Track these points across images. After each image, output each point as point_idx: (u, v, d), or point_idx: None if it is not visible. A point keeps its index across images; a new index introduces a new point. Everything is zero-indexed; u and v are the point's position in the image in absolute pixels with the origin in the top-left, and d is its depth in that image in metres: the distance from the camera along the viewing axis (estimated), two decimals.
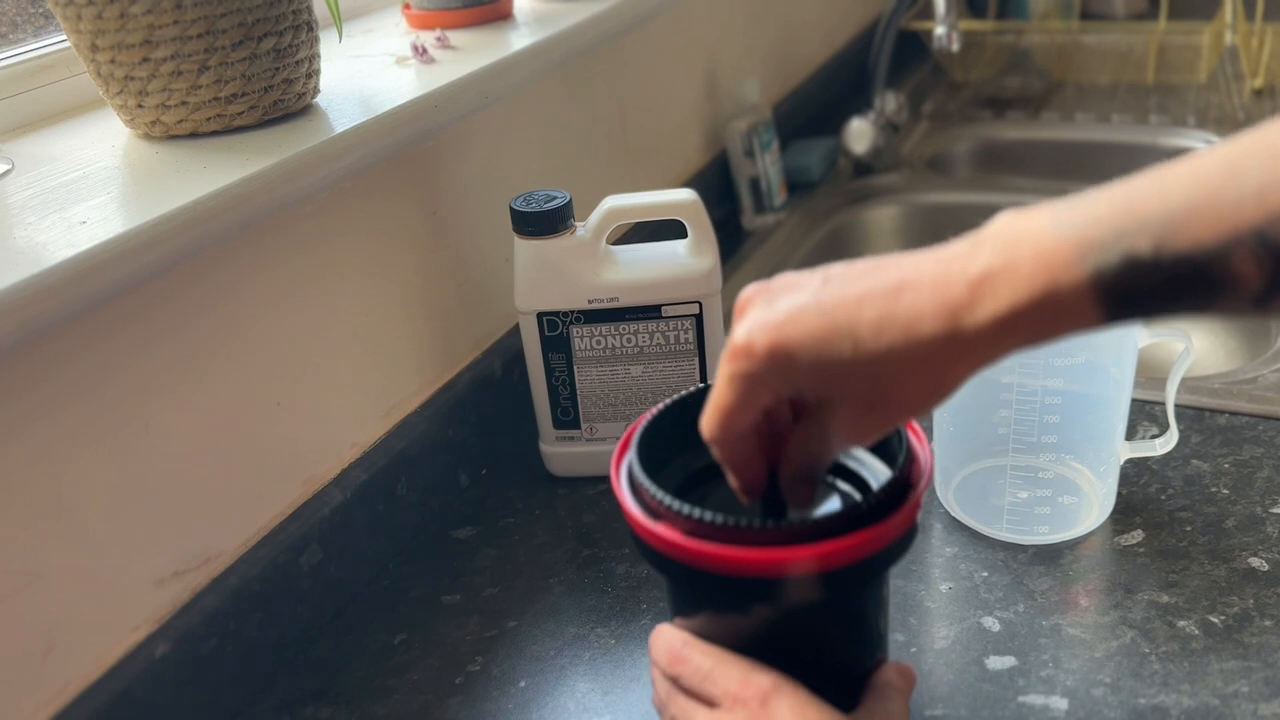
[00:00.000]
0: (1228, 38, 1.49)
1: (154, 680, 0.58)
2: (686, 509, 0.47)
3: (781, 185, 1.25)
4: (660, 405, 0.55)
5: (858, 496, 0.53)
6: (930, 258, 0.42)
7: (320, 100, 0.72)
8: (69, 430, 0.55)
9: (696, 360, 0.78)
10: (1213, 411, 0.81)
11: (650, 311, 0.76)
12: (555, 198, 0.75)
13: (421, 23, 0.89)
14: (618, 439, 0.80)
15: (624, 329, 0.77)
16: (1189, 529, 0.70)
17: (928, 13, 1.39)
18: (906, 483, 0.49)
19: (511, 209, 0.75)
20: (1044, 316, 0.39)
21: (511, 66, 0.82)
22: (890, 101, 1.43)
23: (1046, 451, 0.68)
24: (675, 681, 0.51)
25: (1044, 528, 0.70)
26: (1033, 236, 0.39)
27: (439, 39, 0.85)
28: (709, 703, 0.49)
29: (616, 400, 0.79)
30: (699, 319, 0.77)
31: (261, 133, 0.66)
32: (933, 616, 0.65)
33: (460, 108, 0.77)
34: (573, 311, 0.76)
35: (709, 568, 0.47)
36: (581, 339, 0.77)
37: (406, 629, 0.69)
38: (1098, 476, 0.70)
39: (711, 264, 0.76)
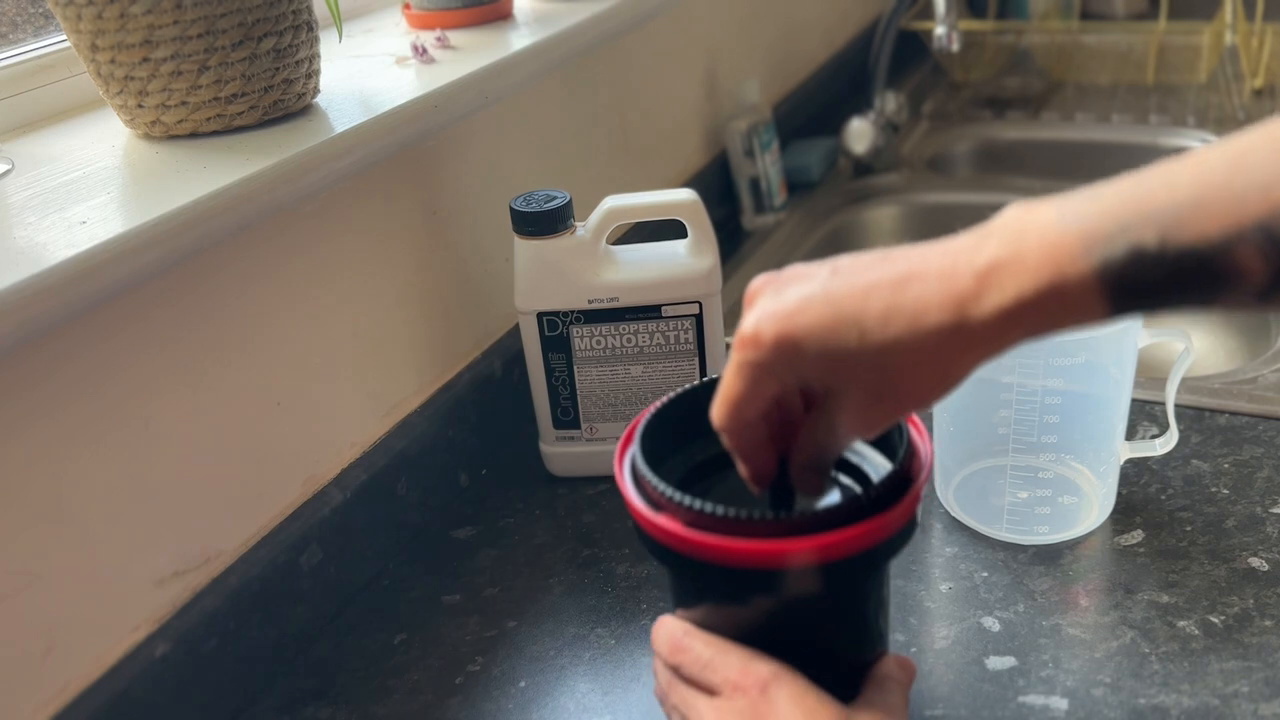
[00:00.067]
0: (1228, 38, 1.49)
1: (154, 680, 0.58)
2: (688, 500, 0.48)
3: (781, 185, 1.25)
4: (664, 399, 0.55)
5: (858, 489, 0.53)
6: (937, 249, 0.42)
7: (320, 100, 0.72)
8: (69, 430, 0.55)
9: (696, 360, 0.78)
10: (1213, 411, 0.81)
11: (650, 311, 0.76)
12: (555, 198, 0.75)
13: (421, 23, 0.89)
14: (618, 439, 0.80)
15: (624, 329, 0.77)
16: (1189, 529, 0.70)
17: (928, 13, 1.39)
18: (907, 476, 0.49)
19: (511, 209, 0.75)
20: (1050, 308, 0.39)
21: (511, 66, 0.82)
22: (890, 101, 1.43)
23: (1046, 451, 0.68)
24: (676, 671, 0.52)
25: (1044, 528, 0.70)
26: (1040, 229, 0.40)
27: (439, 39, 0.85)
28: (709, 691, 0.50)
29: (616, 400, 0.79)
30: (699, 319, 0.77)
31: (261, 133, 0.66)
32: (933, 616, 0.65)
33: (460, 108, 0.77)
34: (573, 311, 0.76)
35: (710, 559, 0.48)
36: (581, 339, 0.77)
37: (406, 629, 0.69)
38: (1098, 476, 0.70)
39: (711, 264, 0.76)
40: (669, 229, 0.77)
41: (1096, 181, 0.41)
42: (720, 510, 0.47)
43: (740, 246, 1.20)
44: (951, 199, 1.33)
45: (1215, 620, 0.62)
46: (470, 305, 0.84)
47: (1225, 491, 0.72)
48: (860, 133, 1.34)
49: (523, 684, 0.64)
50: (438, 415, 0.79)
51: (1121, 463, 0.72)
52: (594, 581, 0.71)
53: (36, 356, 0.53)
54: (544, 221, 0.74)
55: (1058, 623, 0.63)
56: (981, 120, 1.53)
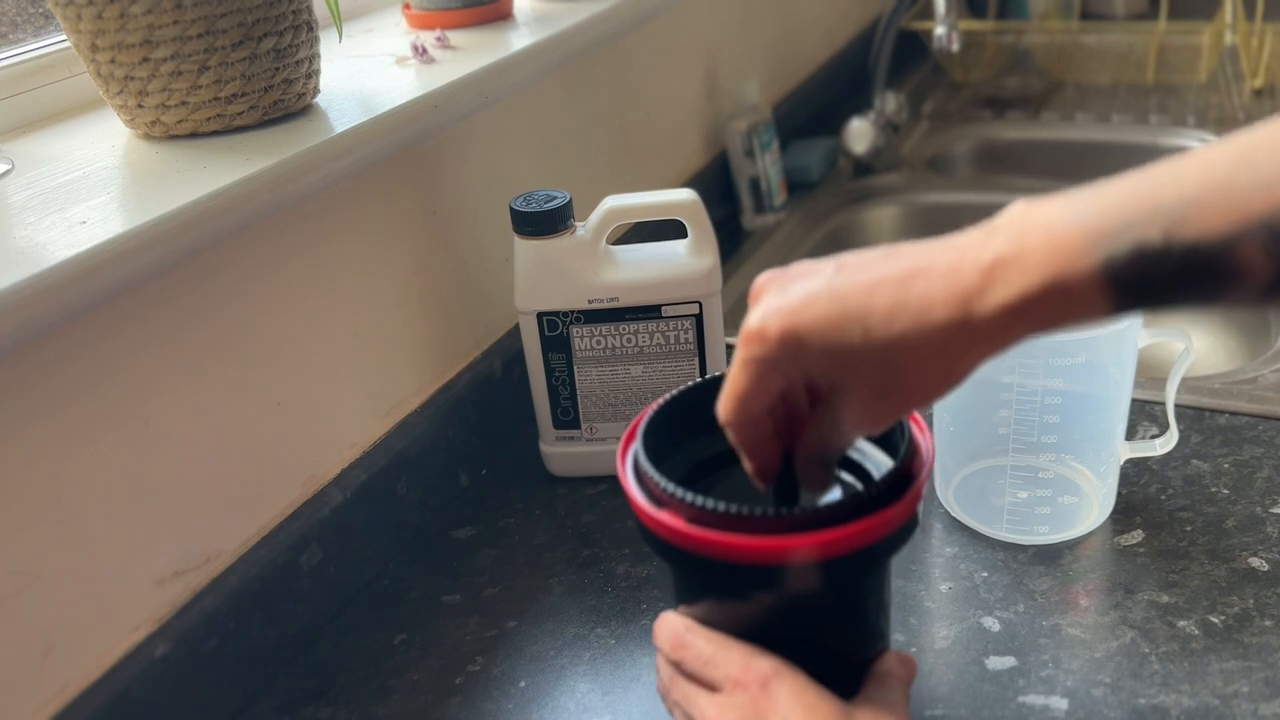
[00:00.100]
0: (1228, 38, 1.49)
1: (154, 680, 0.58)
2: (690, 496, 0.48)
3: (781, 185, 1.25)
4: (667, 396, 0.56)
5: (860, 487, 0.53)
6: (942, 246, 0.42)
7: (320, 100, 0.72)
8: (69, 430, 0.55)
9: (696, 360, 0.78)
10: (1213, 411, 0.81)
11: (650, 311, 0.76)
12: (555, 198, 0.75)
13: (421, 23, 0.89)
14: (618, 439, 0.80)
15: (624, 329, 0.77)
16: (1189, 529, 0.70)
17: (928, 13, 1.39)
18: (908, 473, 0.50)
19: (511, 209, 0.75)
20: (1054, 304, 0.39)
21: (511, 66, 0.82)
22: (890, 101, 1.43)
23: (1046, 451, 0.68)
24: (678, 667, 0.52)
25: (1044, 528, 0.70)
26: (1045, 225, 0.40)
27: (439, 39, 0.85)
28: (711, 687, 0.50)
29: (616, 400, 0.79)
30: (699, 319, 0.77)
31: (261, 133, 0.66)
32: (933, 616, 0.65)
33: (460, 108, 0.77)
34: (573, 311, 0.76)
35: (711, 555, 0.48)
36: (581, 339, 0.77)
37: (406, 629, 0.69)
38: (1098, 476, 0.70)
39: (711, 264, 0.76)
40: (669, 229, 0.77)
41: (1097, 181, 0.41)
42: (722, 506, 0.47)
43: (740, 246, 1.20)
44: (951, 199, 1.33)
45: (1215, 620, 0.62)
46: (470, 305, 0.84)
47: (1225, 491, 0.72)
48: (860, 133, 1.34)
49: (523, 684, 0.64)
50: (438, 415, 0.79)
51: (1121, 463, 0.72)
52: (594, 581, 0.71)
53: (36, 356, 0.53)
54: (544, 221, 0.74)
55: (1058, 623, 0.63)
56: (981, 120, 1.53)
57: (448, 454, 0.80)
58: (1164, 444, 0.72)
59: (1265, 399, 0.81)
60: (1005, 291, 0.39)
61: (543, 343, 0.77)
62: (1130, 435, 0.78)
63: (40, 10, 0.75)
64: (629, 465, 0.53)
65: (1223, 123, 1.39)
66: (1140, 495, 0.73)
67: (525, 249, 0.75)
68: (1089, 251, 0.38)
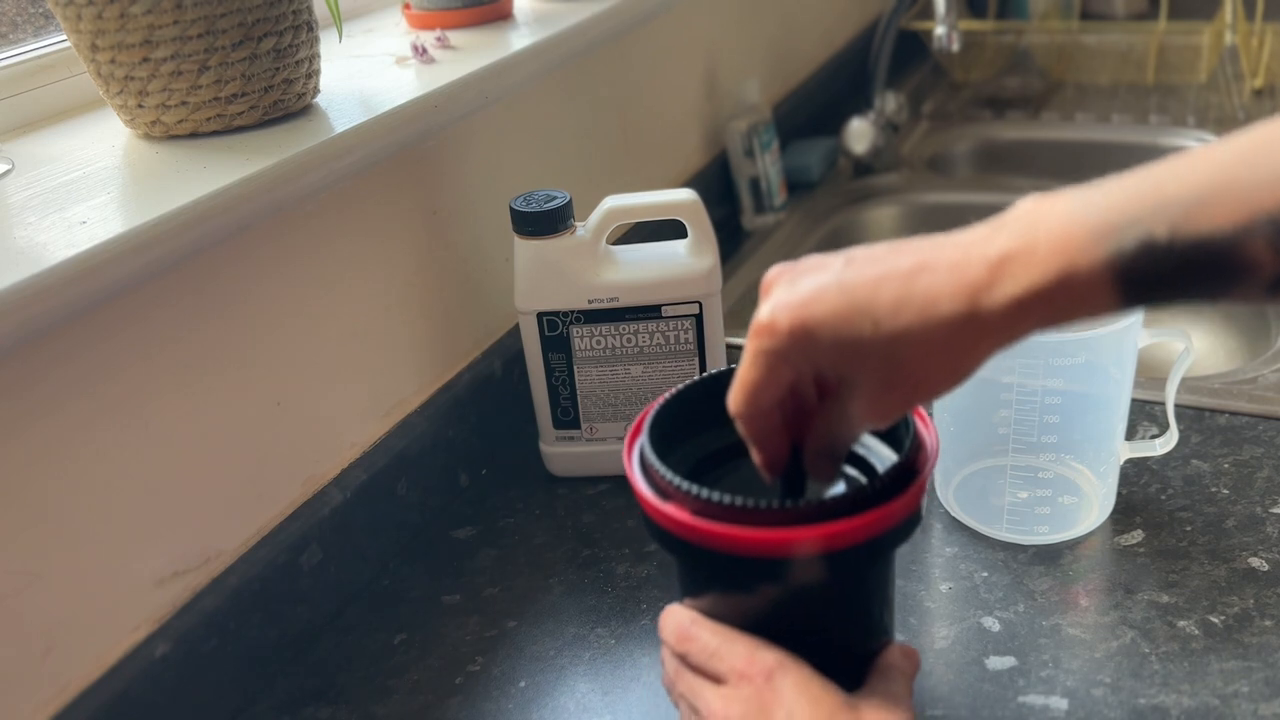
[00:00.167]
0: (1228, 38, 1.49)
1: (154, 680, 0.58)
2: (695, 489, 0.48)
3: (781, 185, 1.25)
4: (674, 390, 0.56)
5: (865, 481, 0.54)
6: (951, 241, 0.43)
7: (320, 100, 0.72)
8: (69, 430, 0.55)
9: (696, 360, 0.78)
10: (1213, 411, 0.81)
11: (650, 311, 0.76)
12: (555, 198, 0.75)
13: (421, 23, 0.89)
14: (618, 439, 0.80)
15: (624, 329, 0.77)
16: (1189, 529, 0.70)
17: (928, 13, 1.39)
18: (912, 467, 0.50)
19: (511, 209, 0.75)
20: (1061, 299, 0.39)
21: (511, 66, 0.82)
22: (890, 101, 1.43)
23: (1046, 451, 0.68)
24: (683, 659, 0.53)
25: (1044, 528, 0.70)
26: (1052, 220, 0.40)
27: (439, 39, 0.85)
28: (716, 679, 0.51)
29: (616, 400, 0.79)
30: (699, 319, 0.77)
31: (261, 133, 0.66)
32: (933, 616, 0.65)
33: (460, 108, 0.77)
34: (573, 311, 0.76)
35: (716, 547, 0.48)
36: (581, 339, 0.77)
37: (406, 629, 0.69)
38: (1098, 476, 0.70)
39: (711, 264, 0.76)
40: (669, 229, 0.77)
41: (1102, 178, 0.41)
42: (727, 499, 0.47)
43: (740, 246, 1.20)
44: (951, 199, 1.33)
45: (1215, 620, 0.62)
46: (470, 305, 0.84)
47: (1225, 491, 0.72)
48: (860, 133, 1.34)
49: (523, 684, 0.64)
50: (438, 415, 0.79)
51: (1121, 463, 0.72)
52: (594, 581, 0.71)
53: (36, 356, 0.53)
54: (544, 221, 0.74)
55: (1058, 623, 0.63)
56: (981, 120, 1.53)
57: (448, 454, 0.80)
58: (1164, 444, 0.72)
59: (1265, 399, 0.81)
60: (1013, 285, 0.40)
61: (543, 343, 0.77)
62: (1130, 435, 0.78)
63: (40, 10, 0.75)
64: (635, 458, 0.53)
65: (1223, 123, 1.39)
66: (1140, 495, 0.73)
67: (525, 249, 0.75)
68: (1096, 246, 0.39)
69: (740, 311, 1.09)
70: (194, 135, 0.66)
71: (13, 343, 0.50)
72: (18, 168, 0.64)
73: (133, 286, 0.56)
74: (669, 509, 0.49)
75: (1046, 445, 0.68)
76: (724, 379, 0.54)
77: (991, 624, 0.64)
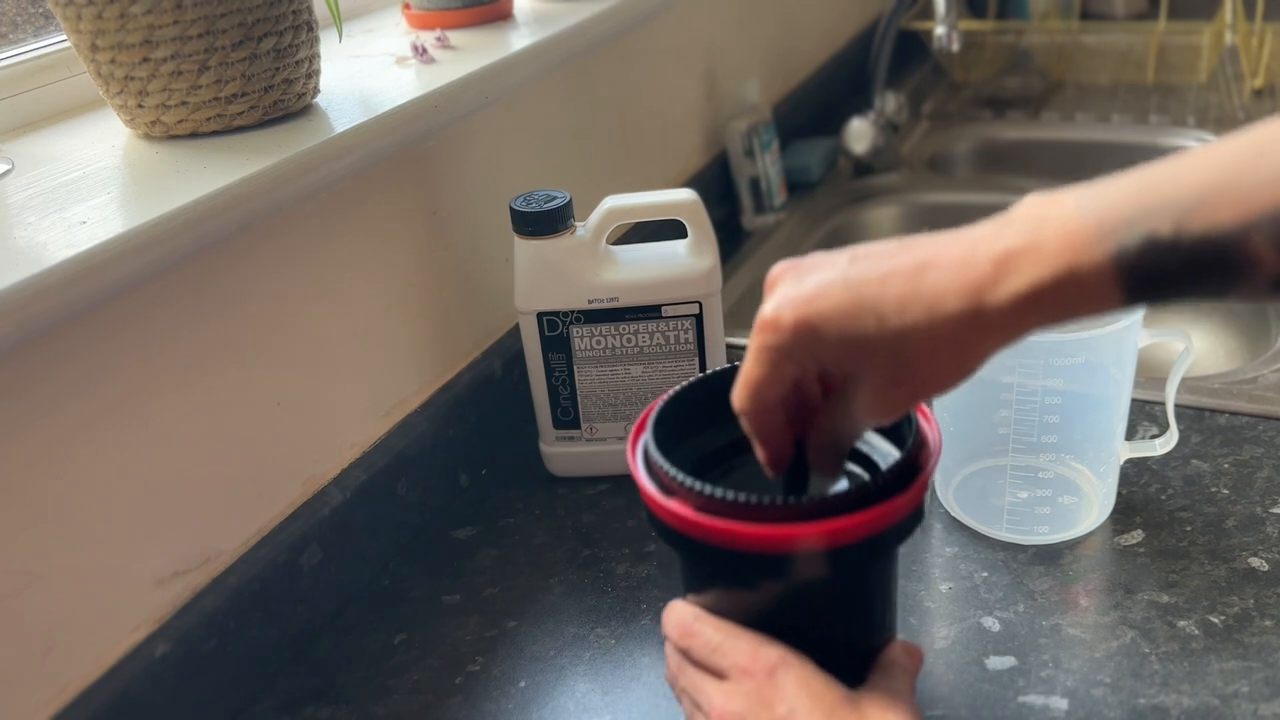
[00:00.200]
0: (1228, 38, 1.49)
1: (154, 680, 0.58)
2: (698, 485, 0.49)
3: (781, 185, 1.25)
4: (678, 386, 0.56)
5: (868, 477, 0.54)
6: (956, 238, 0.43)
7: (320, 100, 0.72)
8: (69, 430, 0.55)
9: (696, 360, 0.78)
10: (1213, 411, 0.81)
11: (650, 311, 0.76)
12: (555, 198, 0.75)
13: (421, 23, 0.89)
14: (618, 439, 0.80)
15: (624, 329, 0.77)
16: (1189, 529, 0.70)
17: (928, 13, 1.39)
18: (915, 463, 0.50)
19: (511, 209, 0.75)
20: (1066, 295, 0.40)
21: (511, 66, 0.82)
22: (890, 101, 1.43)
23: (1046, 451, 0.68)
24: (686, 654, 0.53)
25: (1044, 528, 0.70)
26: (1058, 217, 0.40)
27: (439, 39, 0.85)
28: (718, 675, 0.51)
29: (616, 400, 0.79)
30: (699, 319, 0.77)
31: (261, 133, 0.66)
32: (933, 616, 0.65)
33: (460, 108, 0.77)
34: (573, 311, 0.76)
35: (719, 543, 0.48)
36: (581, 339, 0.77)
37: (406, 629, 0.69)
38: (1098, 476, 0.70)
39: (711, 264, 0.76)
40: (669, 229, 0.77)
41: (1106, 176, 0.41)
42: (730, 495, 0.48)
43: (740, 246, 1.20)
44: (951, 199, 1.33)
45: (1215, 620, 0.62)
46: (470, 305, 0.84)
47: (1225, 491, 0.72)
48: (860, 133, 1.34)
49: (523, 684, 0.64)
50: (438, 415, 0.79)
51: (1121, 463, 0.72)
52: (594, 581, 0.71)
53: (36, 356, 0.53)
54: (544, 221, 0.74)
55: (1058, 623, 0.63)
56: (981, 120, 1.53)
57: (448, 454, 0.80)
58: (1164, 444, 0.72)
59: (1265, 399, 0.81)
60: (1017, 282, 0.40)
61: (543, 343, 0.77)
62: (1130, 435, 0.78)
63: (40, 10, 0.75)
64: (639, 455, 0.53)
65: (1223, 123, 1.39)
66: (1140, 495, 0.73)
67: (525, 249, 0.75)
68: (1100, 243, 0.39)
69: (740, 311, 1.09)
70: (194, 135, 0.66)
71: (13, 343, 0.50)
72: (18, 168, 0.64)
73: (133, 286, 0.56)
74: (672, 505, 0.50)
75: (1046, 445, 0.68)
76: (728, 376, 0.54)
77: (991, 624, 0.64)
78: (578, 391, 0.79)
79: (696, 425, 0.56)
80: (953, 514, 0.73)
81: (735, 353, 0.86)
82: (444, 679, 0.65)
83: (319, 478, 0.71)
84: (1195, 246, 0.38)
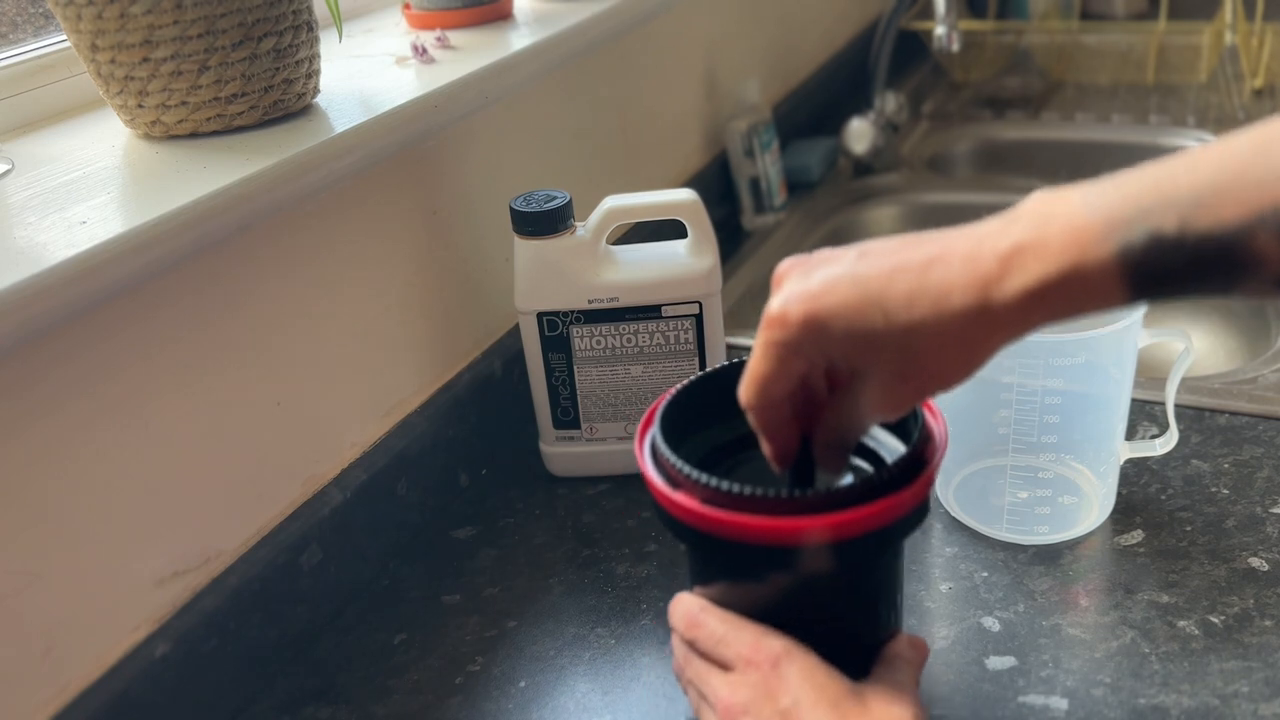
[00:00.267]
0: (1228, 38, 1.49)
1: (154, 680, 0.58)
2: (705, 477, 0.49)
3: (781, 185, 1.25)
4: (685, 381, 0.57)
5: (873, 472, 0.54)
6: (963, 234, 0.43)
7: (320, 100, 0.72)
8: (69, 430, 0.55)
9: (696, 360, 0.78)
10: (1213, 411, 0.81)
11: (650, 311, 0.76)
12: (555, 198, 0.75)
13: (421, 23, 0.89)
14: (618, 439, 0.80)
15: (624, 329, 0.77)
16: (1189, 529, 0.70)
17: (928, 13, 1.39)
18: (921, 458, 0.50)
19: (511, 209, 0.75)
20: (1071, 291, 0.40)
21: (511, 66, 0.82)
22: (890, 101, 1.43)
23: (1046, 451, 0.68)
24: (691, 646, 0.53)
25: (1044, 528, 0.70)
26: (1064, 214, 0.41)
27: (439, 39, 0.85)
28: (723, 666, 0.51)
29: (616, 400, 0.79)
30: (699, 319, 0.77)
31: (261, 133, 0.66)
32: (933, 616, 0.65)
33: (460, 108, 0.77)
34: (573, 311, 0.76)
35: (725, 535, 0.49)
36: (581, 339, 0.77)
37: (406, 629, 0.69)
38: (1098, 476, 0.70)
39: (711, 264, 0.76)
40: (669, 229, 0.77)
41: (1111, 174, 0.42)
42: (736, 488, 0.48)
43: (740, 246, 1.20)
44: (951, 199, 1.33)
45: (1215, 620, 0.62)
46: (470, 305, 0.84)
47: (1225, 491, 0.72)
48: (860, 133, 1.34)
49: (523, 684, 0.64)
50: (438, 415, 0.79)
51: (1121, 463, 0.72)
52: (594, 581, 0.71)
53: (36, 356, 0.53)
54: (544, 221, 0.74)
55: (1058, 623, 0.63)
56: (981, 120, 1.53)
57: (448, 454, 0.80)
58: (1164, 444, 0.72)
59: (1265, 399, 0.81)
60: (1024, 278, 0.40)
61: (543, 343, 0.77)
62: (1130, 435, 0.78)
63: (40, 10, 0.75)
64: (646, 448, 0.54)
65: (1223, 123, 1.39)
66: (1140, 495, 0.73)
67: (525, 249, 0.75)
68: (1106, 239, 0.39)
69: (740, 311, 1.09)
70: (194, 135, 0.66)
71: (13, 343, 0.50)
72: (18, 168, 0.64)
73: (133, 286, 0.56)
74: (679, 497, 0.50)
75: (1046, 445, 0.68)
76: (735, 371, 0.55)
77: (991, 624, 0.64)
78: (578, 391, 0.79)
79: (703, 420, 0.57)
80: (953, 514, 0.73)
81: (735, 353, 0.86)
82: (444, 679, 0.65)
83: (319, 478, 0.71)
84: (1200, 244, 0.38)
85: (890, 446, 0.55)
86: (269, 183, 0.61)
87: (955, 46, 1.30)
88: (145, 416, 0.59)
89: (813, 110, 1.46)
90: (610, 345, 0.77)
